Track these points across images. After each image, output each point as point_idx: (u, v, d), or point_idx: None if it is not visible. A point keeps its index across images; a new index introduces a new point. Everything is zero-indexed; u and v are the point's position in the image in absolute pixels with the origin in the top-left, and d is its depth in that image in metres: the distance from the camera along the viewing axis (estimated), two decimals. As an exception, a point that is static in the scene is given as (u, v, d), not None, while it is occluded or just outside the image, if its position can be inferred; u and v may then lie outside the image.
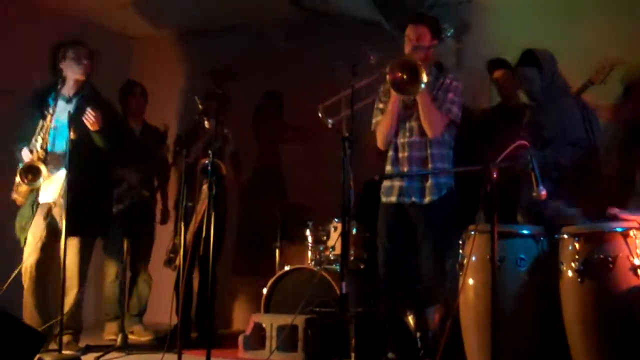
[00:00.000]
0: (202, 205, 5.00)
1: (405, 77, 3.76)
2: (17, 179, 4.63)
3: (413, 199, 4.00)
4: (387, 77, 3.75)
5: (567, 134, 4.10)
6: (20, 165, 4.65)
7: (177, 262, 5.38)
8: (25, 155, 4.67)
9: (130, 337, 5.30)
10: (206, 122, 4.67)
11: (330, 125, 3.90)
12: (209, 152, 3.97)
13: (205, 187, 4.94)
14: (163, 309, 5.52)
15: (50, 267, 4.78)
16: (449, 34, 5.51)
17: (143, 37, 6.86)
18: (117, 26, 6.65)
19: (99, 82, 5.04)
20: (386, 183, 4.15)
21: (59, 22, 6.01)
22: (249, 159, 6.39)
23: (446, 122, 3.99)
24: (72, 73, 4.82)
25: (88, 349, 4.76)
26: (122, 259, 5.23)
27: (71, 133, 4.38)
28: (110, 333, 5.37)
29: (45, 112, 4.72)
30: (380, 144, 4.16)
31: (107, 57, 5.50)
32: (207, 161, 4.18)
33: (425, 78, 3.69)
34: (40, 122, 4.68)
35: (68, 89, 4.84)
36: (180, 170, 5.25)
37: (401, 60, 3.81)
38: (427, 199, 3.98)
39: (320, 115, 3.91)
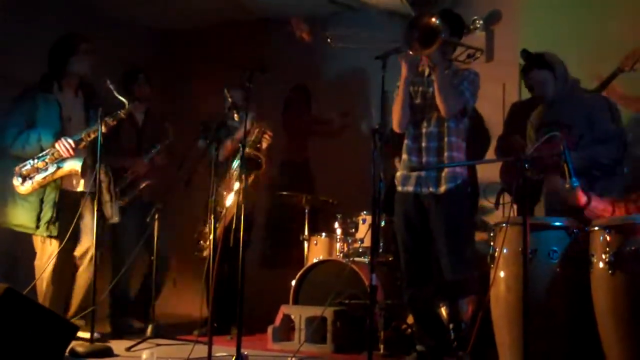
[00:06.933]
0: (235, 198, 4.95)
1: (419, 35, 3.74)
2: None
3: (430, 189, 3.99)
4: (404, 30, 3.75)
5: (596, 129, 4.05)
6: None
7: (204, 253, 5.42)
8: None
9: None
10: (235, 115, 4.68)
11: None
12: (240, 144, 3.94)
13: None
14: (190, 301, 5.57)
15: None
16: (478, 26, 5.49)
17: (174, 29, 6.90)
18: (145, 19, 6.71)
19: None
20: (402, 172, 4.14)
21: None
22: (277, 152, 6.41)
23: (461, 105, 3.97)
24: (81, 67, 4.75)
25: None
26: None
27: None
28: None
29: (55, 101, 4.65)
30: (394, 125, 4.15)
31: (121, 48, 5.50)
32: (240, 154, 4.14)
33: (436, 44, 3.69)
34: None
35: (73, 83, 4.78)
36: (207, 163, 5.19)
37: (422, 17, 3.80)
38: (442, 188, 3.97)
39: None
